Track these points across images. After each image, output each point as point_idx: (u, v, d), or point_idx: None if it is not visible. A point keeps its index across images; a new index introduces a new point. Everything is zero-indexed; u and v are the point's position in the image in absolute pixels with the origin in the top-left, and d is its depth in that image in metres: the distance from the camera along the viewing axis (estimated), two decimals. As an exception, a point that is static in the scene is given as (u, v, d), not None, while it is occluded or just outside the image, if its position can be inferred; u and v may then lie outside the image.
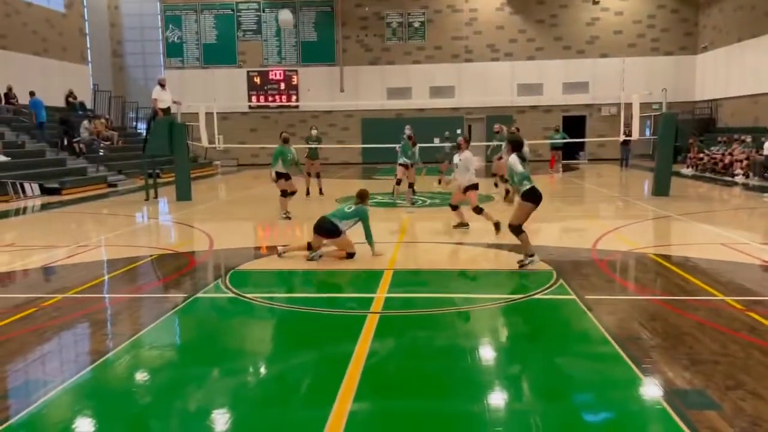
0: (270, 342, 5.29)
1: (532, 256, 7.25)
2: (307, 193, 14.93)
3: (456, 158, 9.91)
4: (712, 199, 14.28)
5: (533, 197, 7.15)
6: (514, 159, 7.18)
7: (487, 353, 4.76)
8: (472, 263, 8.12)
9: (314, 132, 15.99)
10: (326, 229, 7.79)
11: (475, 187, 9.70)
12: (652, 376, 4.14)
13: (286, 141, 12.13)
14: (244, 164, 28.95)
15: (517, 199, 7.57)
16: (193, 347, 5.21)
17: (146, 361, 4.71)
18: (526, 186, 7.13)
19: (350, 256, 7.85)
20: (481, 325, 5.47)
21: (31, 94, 20.08)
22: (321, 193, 15.33)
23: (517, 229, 7.20)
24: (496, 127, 15.65)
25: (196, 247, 9.23)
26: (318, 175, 15.43)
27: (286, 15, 14.42)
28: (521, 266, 7.18)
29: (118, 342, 5.00)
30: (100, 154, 20.78)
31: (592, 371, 4.43)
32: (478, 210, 9.57)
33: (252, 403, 3.98)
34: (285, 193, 11.59)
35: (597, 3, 27.37)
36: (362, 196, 8.05)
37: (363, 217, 7.86)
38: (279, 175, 11.58)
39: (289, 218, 11.47)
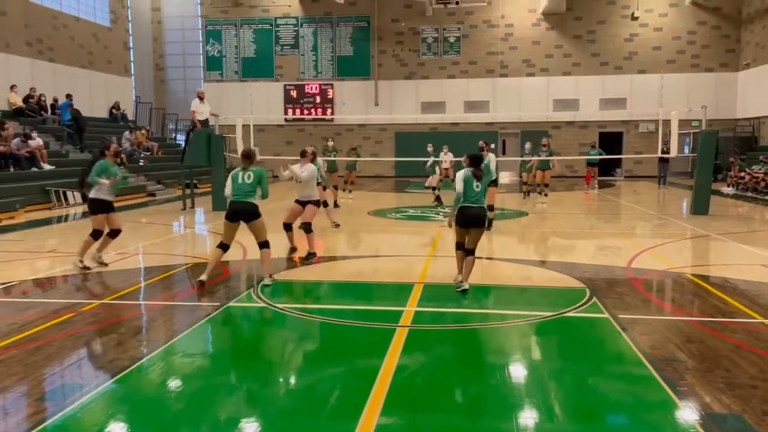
0: (298, 352, 5.33)
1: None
2: (335, 205, 15.11)
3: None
4: (754, 219, 13.89)
5: (459, 216, 6.94)
6: (459, 174, 7.01)
7: (517, 371, 4.71)
8: (504, 279, 8.04)
9: (330, 143, 16.27)
10: (246, 211, 7.26)
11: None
12: (688, 399, 4.03)
13: (314, 154, 12.32)
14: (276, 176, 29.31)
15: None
16: (224, 355, 5.28)
17: (178, 369, 4.79)
18: (459, 204, 6.95)
19: (266, 244, 7.34)
20: (511, 342, 5.41)
21: (68, 96, 20.88)
22: (336, 205, 15.40)
23: (457, 245, 7.07)
24: (545, 141, 17.43)
25: (229, 257, 9.35)
26: (335, 188, 15.63)
27: None
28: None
29: (152, 348, 5.09)
30: (140, 164, 21.29)
31: (626, 393, 4.34)
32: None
33: (279, 413, 4.01)
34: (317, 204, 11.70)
35: (636, 19, 27.06)
36: (249, 156, 7.53)
37: (262, 178, 7.35)
38: None
39: (338, 225, 12.01)
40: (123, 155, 20.38)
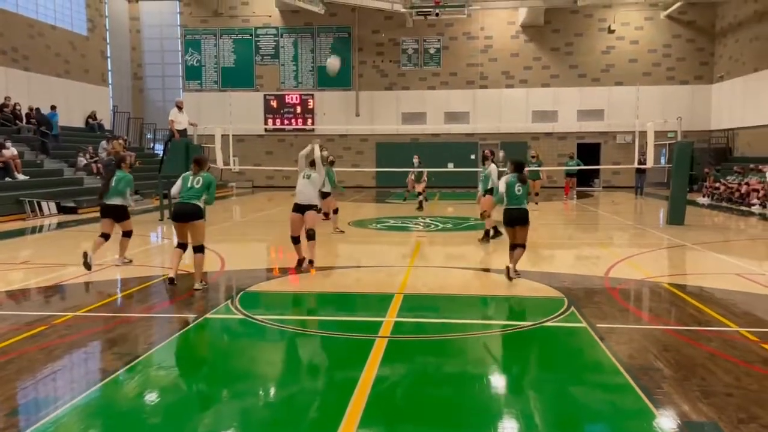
0: (276, 364, 5.27)
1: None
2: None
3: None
4: (728, 229, 14.12)
5: (504, 217, 7.89)
6: (504, 178, 7.95)
7: (496, 381, 4.71)
8: (484, 289, 8.06)
9: (325, 153, 16.21)
10: (189, 212, 7.57)
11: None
12: (664, 408, 4.06)
13: (332, 164, 12.56)
14: (258, 186, 29.18)
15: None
16: (201, 368, 5.20)
17: (155, 381, 4.71)
18: (504, 205, 7.90)
19: (201, 249, 7.63)
20: (490, 352, 5.41)
21: (52, 108, 21.07)
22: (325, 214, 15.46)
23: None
24: (533, 152, 18.97)
25: (207, 268, 9.25)
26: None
27: (334, 61, 14.85)
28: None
29: (127, 361, 5.01)
30: (117, 174, 21.03)
31: (603, 401, 4.36)
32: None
33: (257, 426, 3.96)
34: (327, 215, 12.72)
35: (612, 32, 27.51)
36: (201, 162, 7.86)
37: (212, 185, 7.72)
38: (323, 195, 11.97)
39: (343, 232, 12.57)
40: (135, 164, 20.33)
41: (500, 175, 10.44)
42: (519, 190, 7.73)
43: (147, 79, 30.93)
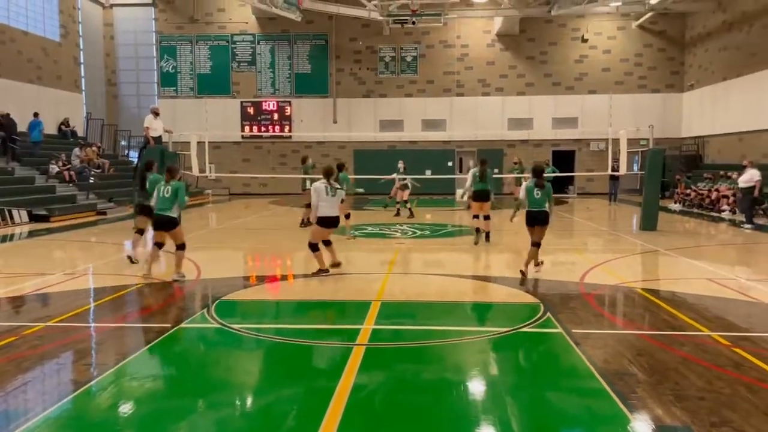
0: (253, 374, 5.23)
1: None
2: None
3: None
4: (699, 234, 14.39)
5: (526, 219, 8.92)
6: (524, 185, 8.96)
7: (473, 387, 4.73)
8: (461, 295, 8.09)
9: (310, 161, 16.13)
10: (164, 223, 8.44)
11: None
12: (638, 412, 4.11)
13: (341, 168, 12.77)
14: (235, 193, 28.96)
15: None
16: (176, 378, 5.14)
17: (128, 392, 4.64)
18: (524, 209, 8.93)
19: (182, 247, 8.57)
20: (468, 359, 5.43)
21: (35, 115, 20.97)
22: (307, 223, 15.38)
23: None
24: (516, 158, 19.81)
25: (183, 277, 9.16)
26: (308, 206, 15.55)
27: None
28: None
29: (100, 372, 4.92)
30: (91, 181, 20.74)
31: (579, 406, 4.41)
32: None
33: (233, 436, 3.91)
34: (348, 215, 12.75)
35: (585, 41, 27.92)
36: (171, 171, 8.60)
37: (180, 191, 8.39)
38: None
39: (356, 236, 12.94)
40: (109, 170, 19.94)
41: (474, 176, 11.92)
42: (538, 194, 8.63)
43: (121, 85, 30.56)
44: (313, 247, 8.95)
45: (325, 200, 8.81)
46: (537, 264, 9.04)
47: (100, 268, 9.82)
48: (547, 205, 8.77)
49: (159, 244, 8.78)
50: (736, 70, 23.23)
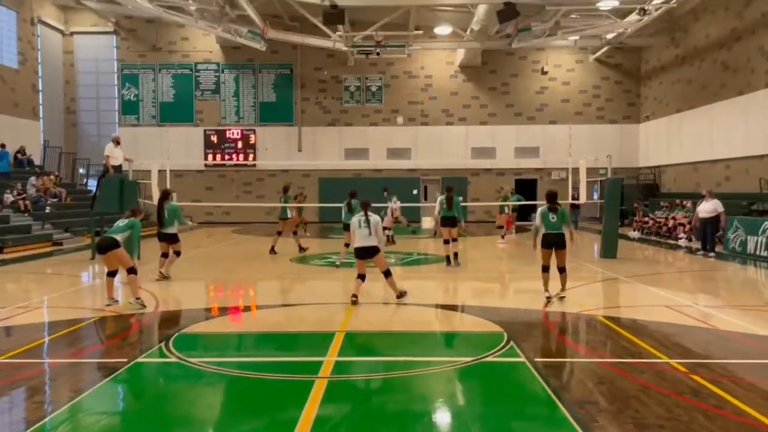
0: (212, 409, 5.08)
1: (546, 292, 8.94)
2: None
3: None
4: (658, 262, 14.71)
5: (542, 241, 8.97)
6: (539, 210, 9.03)
7: (437, 418, 4.68)
8: (426, 325, 8.07)
9: (291, 192, 16.77)
10: (105, 244, 8.59)
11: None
12: (600, 441, 4.13)
13: (353, 195, 12.90)
14: (198, 222, 28.55)
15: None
16: (132, 415, 4.97)
17: (82, 430, 4.46)
18: (541, 232, 8.94)
19: (132, 270, 8.67)
20: (430, 390, 5.39)
21: (1, 146, 20.89)
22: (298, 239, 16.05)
23: (543, 268, 9.08)
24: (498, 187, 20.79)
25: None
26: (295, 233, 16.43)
27: None
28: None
29: (53, 409, 4.73)
30: (47, 211, 20.20)
31: (541, 437, 4.40)
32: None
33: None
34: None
35: (545, 73, 28.68)
36: (134, 212, 9.09)
37: (135, 228, 8.77)
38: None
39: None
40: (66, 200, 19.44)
41: (441, 203, 12.70)
42: (553, 218, 8.80)
43: (81, 113, 30.05)
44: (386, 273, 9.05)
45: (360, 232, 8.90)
46: (562, 290, 9.07)
47: (55, 301, 9.51)
48: (563, 228, 8.91)
49: (111, 273, 8.85)
50: (688, 103, 24.13)
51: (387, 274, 9.00)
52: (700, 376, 5.45)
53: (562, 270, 8.96)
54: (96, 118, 30.10)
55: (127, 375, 5.72)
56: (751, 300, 9.59)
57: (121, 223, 8.83)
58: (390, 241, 17.94)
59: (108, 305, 8.62)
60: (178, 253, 11.33)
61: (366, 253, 8.88)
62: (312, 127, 28.96)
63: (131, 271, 8.69)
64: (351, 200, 12.58)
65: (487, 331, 7.34)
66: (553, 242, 8.86)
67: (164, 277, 11.09)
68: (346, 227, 11.99)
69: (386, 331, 7.59)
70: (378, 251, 8.89)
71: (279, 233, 15.53)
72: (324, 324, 7.90)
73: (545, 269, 9.01)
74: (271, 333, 7.67)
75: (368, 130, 28.93)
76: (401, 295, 8.99)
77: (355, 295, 8.84)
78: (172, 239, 11.26)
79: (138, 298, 8.57)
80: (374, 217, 8.93)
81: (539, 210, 9.02)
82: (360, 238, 8.86)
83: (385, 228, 17.95)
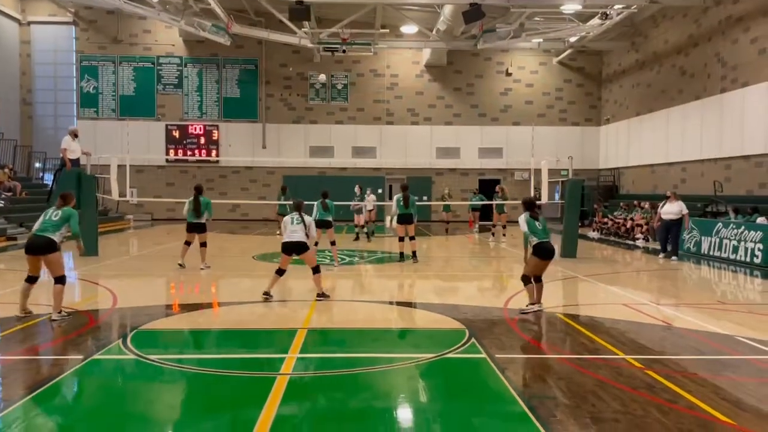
0: (170, 406, 5.00)
1: (533, 304, 8.20)
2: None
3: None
4: (616, 261, 15.04)
5: (538, 252, 8.13)
6: (521, 218, 8.30)
7: (399, 414, 4.70)
8: (388, 322, 8.09)
9: (288, 192, 17.69)
10: (41, 245, 7.40)
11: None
12: (558, 435, 4.20)
13: (326, 195, 13.11)
14: (159, 219, 28.06)
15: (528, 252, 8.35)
16: (87, 412, 4.84)
17: (35, 428, 4.34)
18: (534, 241, 8.13)
19: (61, 280, 7.47)
20: (392, 386, 5.40)
21: None
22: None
23: (524, 279, 8.28)
24: (498, 188, 21.10)
25: (98, 305, 8.74)
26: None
27: None
28: (522, 312, 8.13)
29: (5, 407, 4.58)
30: (0, 205, 19.56)
31: (502, 431, 4.46)
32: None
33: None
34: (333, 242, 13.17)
35: (510, 75, 29.05)
36: (65, 197, 7.87)
37: (72, 219, 7.66)
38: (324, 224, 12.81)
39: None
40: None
41: (398, 202, 13.10)
42: (540, 225, 8.20)
43: (37, 105, 29.21)
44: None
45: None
46: (538, 302, 8.32)
47: (8, 297, 9.20)
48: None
49: (31, 278, 7.64)
50: (647, 106, 24.73)
51: (315, 270, 9.08)
52: (655, 371, 5.59)
53: (540, 279, 8.36)
54: (53, 110, 29.32)
55: (84, 372, 5.59)
56: (704, 299, 9.90)
57: (54, 216, 7.57)
58: (368, 239, 18.58)
59: (21, 318, 7.52)
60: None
61: (293, 249, 8.86)
62: (277, 124, 28.73)
63: (59, 281, 7.46)
64: (325, 200, 12.89)
65: (449, 328, 7.39)
66: (550, 251, 8.22)
67: (207, 267, 12.06)
68: (320, 224, 12.18)
69: (349, 328, 7.58)
70: (307, 248, 8.91)
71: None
72: (286, 321, 7.86)
73: (529, 280, 8.26)
74: (233, 330, 7.58)
75: (333, 128, 28.85)
76: (322, 295, 8.95)
77: (267, 292, 8.85)
78: (202, 229, 12.12)
79: (60, 311, 7.51)
80: (308, 218, 9.00)
81: (523, 218, 8.24)
82: (290, 233, 8.84)
83: (366, 223, 18.55)
